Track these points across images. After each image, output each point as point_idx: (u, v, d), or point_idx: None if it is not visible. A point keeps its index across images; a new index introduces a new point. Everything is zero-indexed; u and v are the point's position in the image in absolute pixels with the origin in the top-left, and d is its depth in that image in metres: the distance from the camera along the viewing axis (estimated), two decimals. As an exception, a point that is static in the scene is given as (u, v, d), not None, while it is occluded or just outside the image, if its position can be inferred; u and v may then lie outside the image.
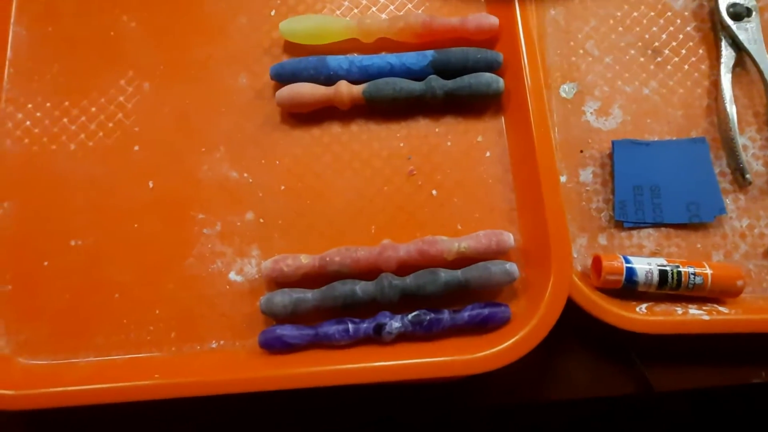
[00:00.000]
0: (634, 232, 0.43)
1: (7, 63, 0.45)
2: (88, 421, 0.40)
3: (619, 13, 0.48)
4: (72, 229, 0.41)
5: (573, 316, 0.38)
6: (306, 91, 0.41)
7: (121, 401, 0.36)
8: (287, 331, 0.38)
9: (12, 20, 0.46)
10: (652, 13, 0.48)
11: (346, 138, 0.43)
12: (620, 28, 0.48)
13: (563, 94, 0.46)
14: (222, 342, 0.39)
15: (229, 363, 0.38)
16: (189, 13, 0.46)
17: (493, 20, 0.43)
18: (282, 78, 0.43)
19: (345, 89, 0.41)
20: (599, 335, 0.41)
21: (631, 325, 0.39)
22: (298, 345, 0.38)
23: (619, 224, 0.43)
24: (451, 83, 0.42)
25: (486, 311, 0.38)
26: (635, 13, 0.48)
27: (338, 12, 0.46)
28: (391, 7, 0.46)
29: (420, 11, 0.45)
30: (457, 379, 0.41)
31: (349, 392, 0.37)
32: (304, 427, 0.41)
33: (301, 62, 0.42)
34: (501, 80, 0.42)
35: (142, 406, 0.37)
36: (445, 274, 0.38)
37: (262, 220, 0.42)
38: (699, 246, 0.43)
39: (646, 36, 0.48)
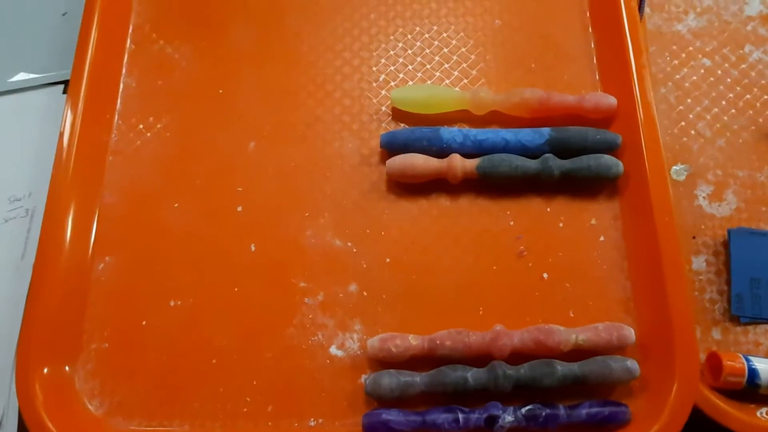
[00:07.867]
0: (750, 328, 0.41)
1: (117, 115, 0.45)
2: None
3: (731, 95, 0.47)
4: (172, 288, 0.41)
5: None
6: (419, 162, 0.41)
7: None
8: (393, 416, 0.36)
9: (123, 72, 0.46)
10: (766, 96, 0.47)
11: (455, 212, 0.42)
12: (733, 110, 0.47)
13: (674, 176, 0.44)
14: (321, 420, 0.38)
15: (330, 445, 0.37)
16: (298, 75, 0.46)
17: (612, 100, 0.42)
18: (393, 147, 0.42)
19: (459, 163, 0.40)
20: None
21: (754, 432, 0.37)
22: None
23: (735, 318, 0.41)
24: (569, 163, 0.40)
25: (606, 411, 0.36)
26: (748, 96, 0.47)
27: (447, 81, 0.46)
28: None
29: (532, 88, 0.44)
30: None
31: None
32: None
33: (414, 132, 0.42)
34: (621, 164, 0.41)
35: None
36: (561, 367, 0.36)
37: (365, 293, 0.40)
38: (822, 348, 0.41)
39: (760, 120, 0.46)
